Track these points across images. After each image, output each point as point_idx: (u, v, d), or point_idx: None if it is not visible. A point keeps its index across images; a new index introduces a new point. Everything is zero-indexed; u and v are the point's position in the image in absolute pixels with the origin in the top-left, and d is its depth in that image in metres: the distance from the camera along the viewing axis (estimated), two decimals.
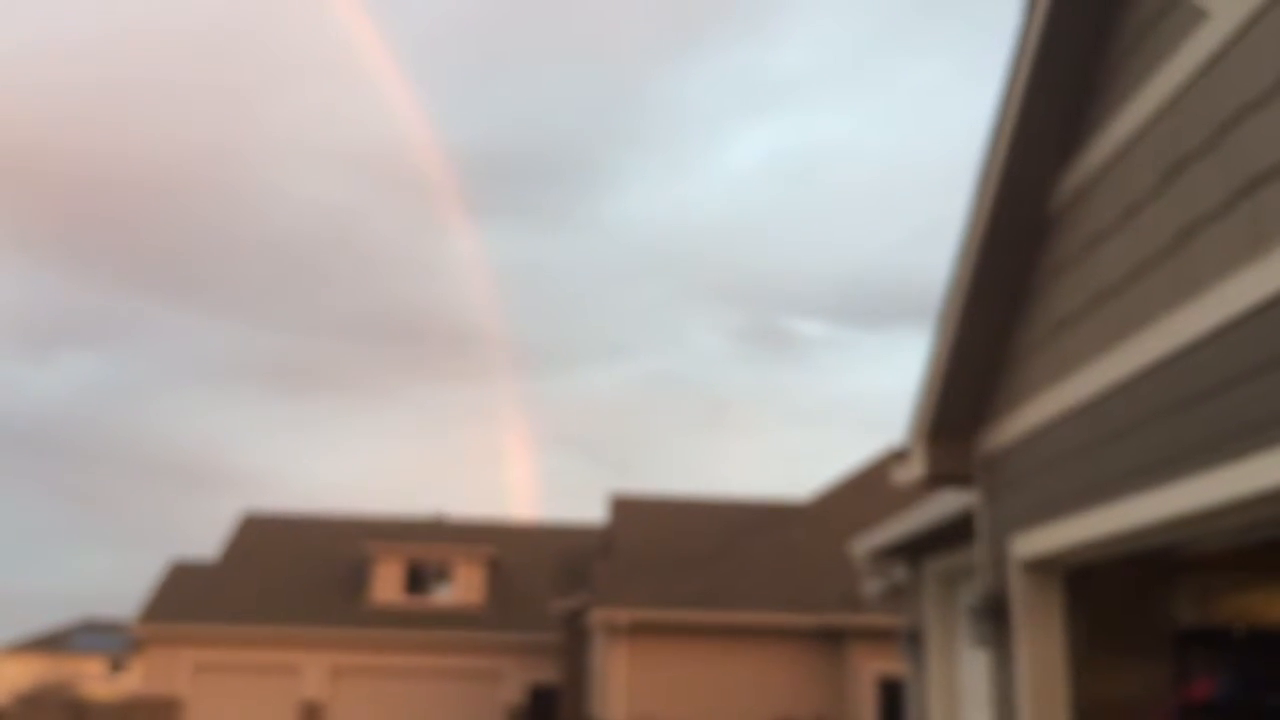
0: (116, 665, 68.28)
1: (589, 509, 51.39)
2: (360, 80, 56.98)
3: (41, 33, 60.43)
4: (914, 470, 6.47)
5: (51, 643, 71.57)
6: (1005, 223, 5.69)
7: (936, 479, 6.48)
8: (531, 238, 77.89)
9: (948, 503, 7.50)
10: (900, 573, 9.77)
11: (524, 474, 55.13)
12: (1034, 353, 5.76)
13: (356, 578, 33.90)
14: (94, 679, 66.74)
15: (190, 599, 32.20)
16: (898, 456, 6.93)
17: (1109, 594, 5.75)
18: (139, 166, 64.02)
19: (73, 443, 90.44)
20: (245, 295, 75.94)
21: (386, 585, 33.33)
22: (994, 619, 5.94)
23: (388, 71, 48.41)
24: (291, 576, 33.82)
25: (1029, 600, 5.71)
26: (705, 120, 78.94)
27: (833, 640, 20.93)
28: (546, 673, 31.00)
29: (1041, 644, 5.64)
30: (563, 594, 27.32)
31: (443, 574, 34.01)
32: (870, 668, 20.09)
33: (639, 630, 20.89)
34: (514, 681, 31.87)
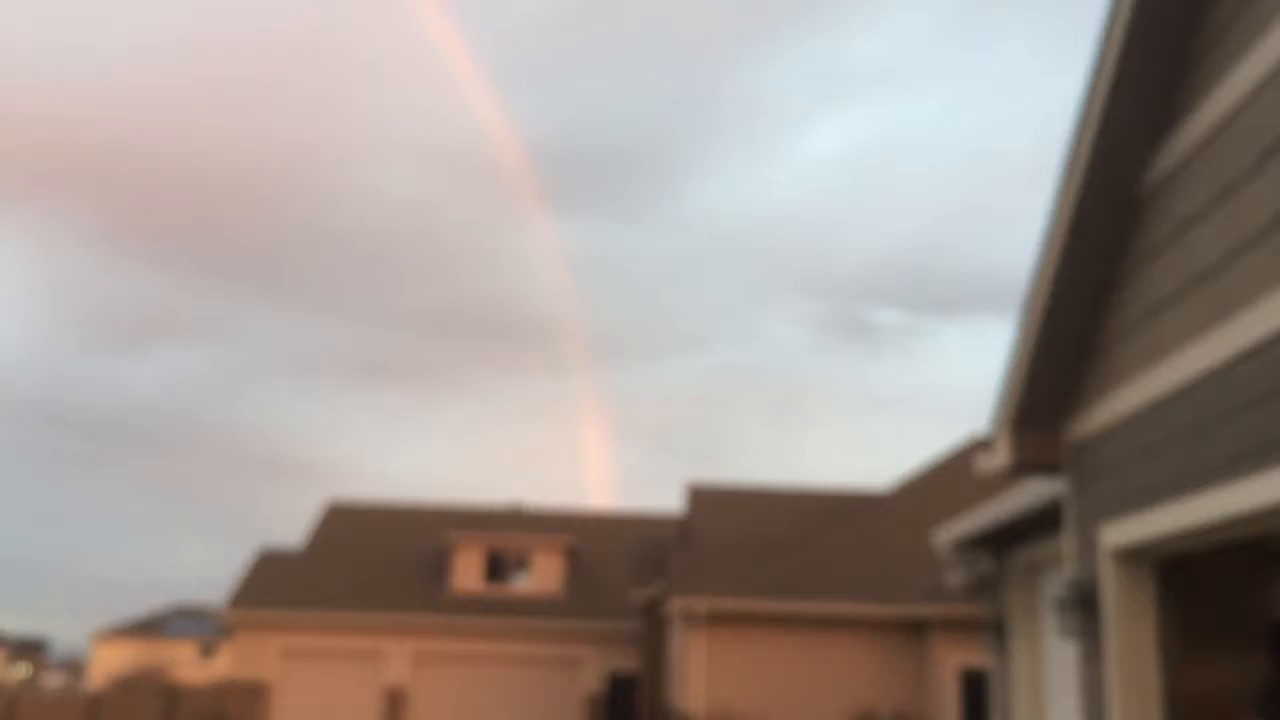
0: (208, 650, 70.26)
1: (667, 499, 51.48)
2: (443, 78, 57.71)
3: (138, 37, 62.19)
4: (999, 459, 6.38)
5: (146, 628, 73.87)
6: (1093, 207, 5.58)
7: (1022, 468, 6.38)
8: (610, 231, 78.21)
9: (1033, 492, 7.38)
10: (984, 563, 9.65)
11: (602, 464, 55.46)
12: (1124, 338, 5.64)
13: (438, 566, 34.40)
14: (186, 663, 68.72)
15: (277, 586, 32.94)
16: (981, 445, 6.84)
17: (1203, 584, 5.61)
18: (230, 166, 65.61)
19: (167, 434, 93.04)
20: (331, 290, 77.57)
21: (467, 574, 33.76)
22: (1083, 610, 5.84)
23: (469, 69, 48.95)
24: (374, 564, 34.43)
25: (1119, 591, 5.60)
26: (784, 112, 78.45)
27: (914, 631, 20.71)
28: (625, 661, 31.14)
29: (1132, 635, 5.53)
30: (641, 583, 27.40)
31: (522, 563, 34.35)
32: (952, 659, 19.85)
33: (717, 620, 20.87)
34: (593, 670, 32.08)
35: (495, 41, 63.91)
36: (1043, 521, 7.44)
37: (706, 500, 27.56)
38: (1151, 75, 5.29)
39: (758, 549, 23.35)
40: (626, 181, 79.99)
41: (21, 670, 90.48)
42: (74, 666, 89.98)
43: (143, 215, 70.69)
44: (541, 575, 34.07)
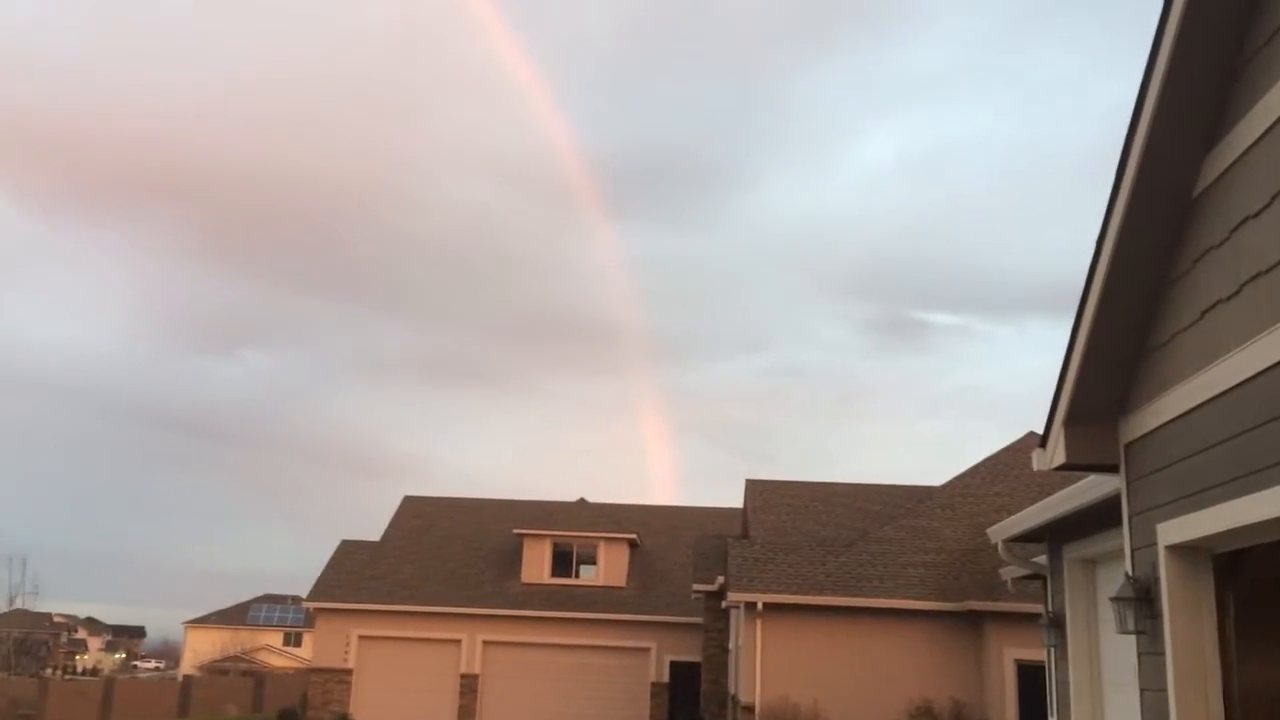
0: (291, 638, 71.88)
1: (726, 495, 51.76)
2: (512, 92, 58.67)
3: (232, 67, 64.27)
4: (1054, 457, 6.43)
5: (234, 616, 75.87)
6: (1146, 207, 5.61)
7: (1077, 465, 6.42)
8: (671, 236, 78.91)
9: (1089, 488, 7.41)
10: (1040, 558, 9.67)
11: (663, 462, 55.84)
12: (1180, 337, 5.67)
13: (508, 559, 35.10)
14: (271, 650, 70.35)
15: (357, 577, 33.93)
16: (1037, 443, 6.88)
17: (1262, 580, 5.63)
18: (314, 182, 67.66)
19: (256, 433, 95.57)
20: (406, 294, 79.66)
21: (534, 566, 34.41)
22: (1141, 606, 5.88)
23: (536, 83, 49.71)
24: (448, 556, 35.33)
25: (1177, 587, 5.64)
26: (839, 119, 78.57)
27: (970, 625, 20.65)
28: (687, 652, 31.42)
29: (1191, 631, 5.57)
30: (702, 576, 27.58)
31: (587, 556, 34.88)
32: (1008, 652, 19.76)
33: (775, 612, 20.98)
34: (656, 660, 32.45)
35: (561, 55, 64.88)
36: (1099, 517, 7.46)
37: (764, 495, 27.66)
38: (1205, 75, 5.31)
39: (815, 543, 23.41)
40: (686, 188, 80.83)
41: (119, 656, 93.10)
42: (168, 652, 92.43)
43: (235, 228, 73.20)
44: (606, 568, 34.58)
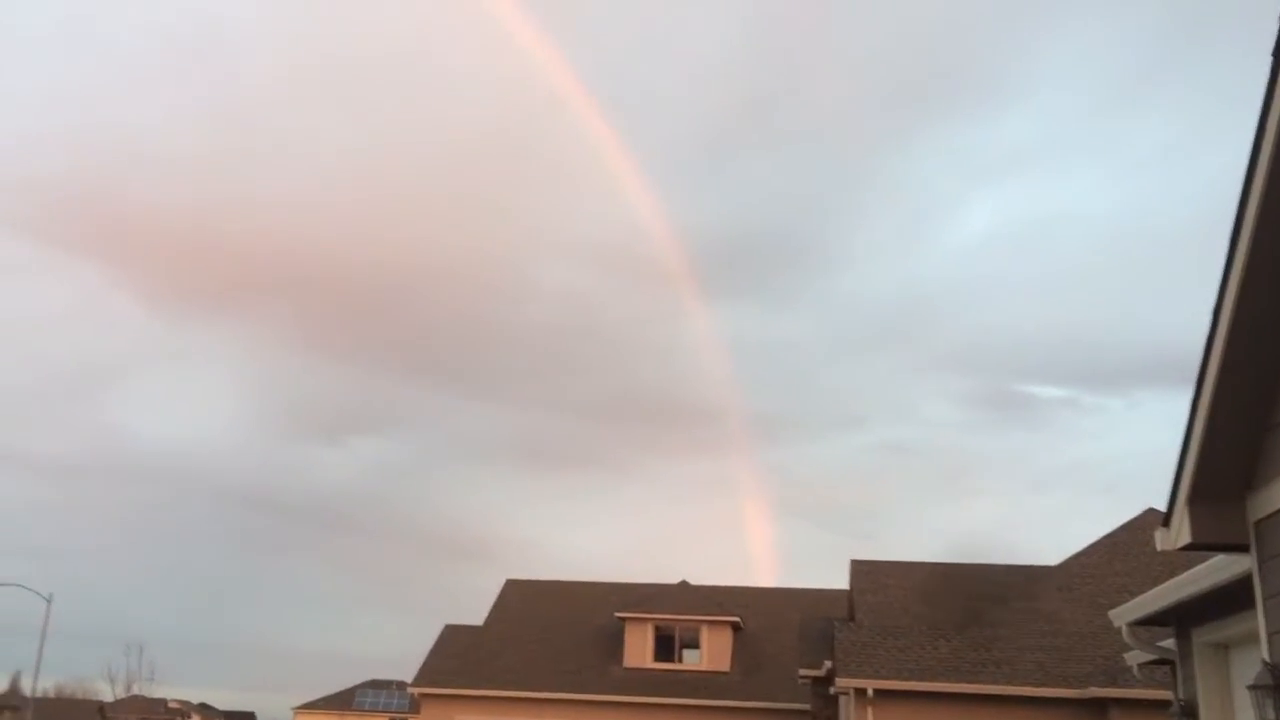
0: None
1: (830, 576, 50.91)
2: (605, 178, 60.05)
3: (328, 159, 67.48)
4: (1178, 536, 6.20)
5: (341, 701, 76.83)
6: (1262, 278, 5.45)
7: (1204, 545, 6.18)
8: (765, 315, 79.25)
9: (1218, 568, 7.11)
10: (1167, 642, 9.26)
11: (764, 542, 55.24)
12: None
13: (609, 642, 34.95)
14: None
15: (460, 661, 34.13)
16: (1158, 520, 6.64)
17: None
18: (414, 270, 70.06)
19: (361, 519, 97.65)
20: (504, 381, 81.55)
21: (636, 650, 34.19)
22: None
23: (626, 168, 50.90)
24: (550, 640, 35.37)
25: None
26: (935, 193, 78.55)
27: (1094, 713, 19.76)
28: None
29: None
30: (807, 660, 27.00)
31: (689, 639, 34.53)
32: None
33: (885, 699, 20.37)
34: None
35: (653, 140, 66.24)
36: (1231, 598, 7.14)
37: (870, 576, 27.09)
38: None
39: (925, 626, 22.77)
40: (781, 267, 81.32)
41: None
42: None
43: (342, 321, 76.02)
44: (710, 652, 34.16)
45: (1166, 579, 8.58)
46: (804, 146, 74.81)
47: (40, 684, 48.98)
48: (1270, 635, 5.83)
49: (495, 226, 72.68)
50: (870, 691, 20.36)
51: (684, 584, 38.16)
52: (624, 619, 34.52)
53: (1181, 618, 8.56)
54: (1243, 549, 6.08)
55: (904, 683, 20.46)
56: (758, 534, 56.27)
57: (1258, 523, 5.94)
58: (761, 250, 78.76)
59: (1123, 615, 9.69)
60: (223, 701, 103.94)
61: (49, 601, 41.63)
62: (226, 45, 68.50)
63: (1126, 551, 22.99)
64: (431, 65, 66.97)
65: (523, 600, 37.84)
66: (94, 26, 73.32)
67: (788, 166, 75.43)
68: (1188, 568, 7.86)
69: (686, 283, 59.06)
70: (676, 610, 35.03)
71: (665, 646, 34.46)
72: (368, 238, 70.30)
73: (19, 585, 41.37)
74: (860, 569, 27.78)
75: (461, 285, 75.44)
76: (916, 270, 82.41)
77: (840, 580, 30.22)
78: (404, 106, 68.75)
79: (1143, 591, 9.36)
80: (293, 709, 77.15)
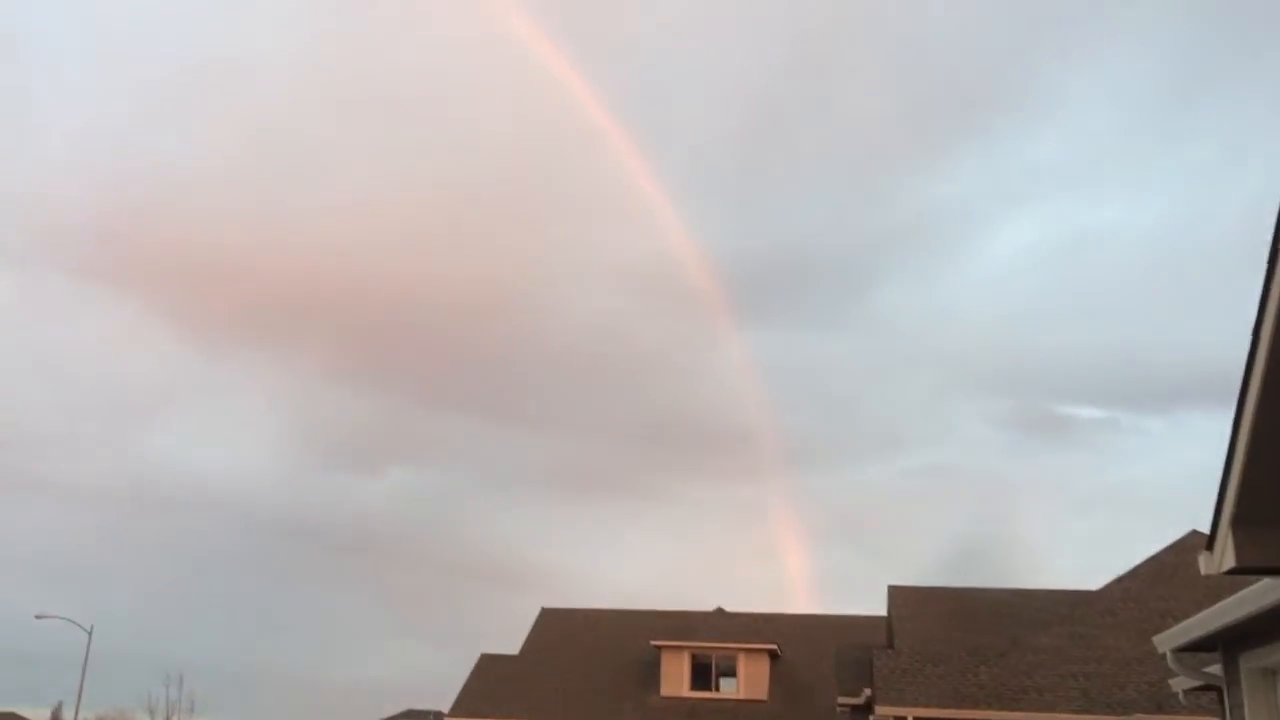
0: None
1: (868, 602, 50.45)
2: (636, 202, 60.41)
3: (361, 193, 68.51)
4: (1222, 560, 6.12)
5: None
6: None
7: (1249, 569, 6.08)
8: (799, 338, 79.14)
9: (1265, 591, 7.00)
10: (1214, 668, 9.10)
11: (800, 567, 54.91)
12: None
13: (646, 671, 34.82)
14: None
15: (496, 690, 34.20)
16: (1202, 542, 6.55)
17: None
18: (447, 299, 70.82)
19: (396, 548, 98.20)
20: (538, 407, 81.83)
21: (673, 679, 34.04)
22: None
23: (661, 190, 51.22)
24: (586, 669, 35.29)
25: None
26: (969, 213, 78.29)
27: None
28: None
29: None
30: (846, 688, 26.74)
31: (727, 668, 34.30)
32: None
33: None
34: None
35: (683, 162, 66.50)
36: (1278, 622, 7.01)
37: (908, 602, 26.85)
38: None
39: (965, 652, 22.50)
40: (814, 289, 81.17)
41: None
42: None
43: (370, 345, 76.91)
44: (747, 680, 33.93)
45: (1211, 603, 8.45)
46: (836, 168, 74.83)
47: (81, 715, 49.32)
48: None
49: (527, 254, 73.26)
50: (910, 719, 20.13)
51: (720, 611, 37.97)
52: (660, 647, 34.36)
53: (1228, 643, 8.42)
54: None
55: (944, 710, 20.22)
56: (794, 559, 55.96)
57: None
58: (795, 273, 78.74)
59: (1167, 641, 9.54)
60: None
61: (90, 633, 41.99)
62: (257, 80, 69.62)
63: (1170, 575, 22.64)
64: (463, 95, 67.69)
65: (558, 629, 37.78)
66: (128, 67, 74.73)
67: (820, 188, 75.46)
68: (1233, 591, 7.74)
69: (719, 307, 59.18)
70: (713, 638, 34.84)
71: (702, 675, 34.23)
72: (400, 266, 71.00)
73: (61, 618, 41.77)
74: (898, 594, 27.54)
75: (494, 313, 76.05)
76: (953, 290, 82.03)
77: (878, 606, 30.00)
78: (435, 136, 69.49)
79: (1187, 616, 9.22)
80: None
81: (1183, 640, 9.09)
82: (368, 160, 69.80)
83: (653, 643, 34.66)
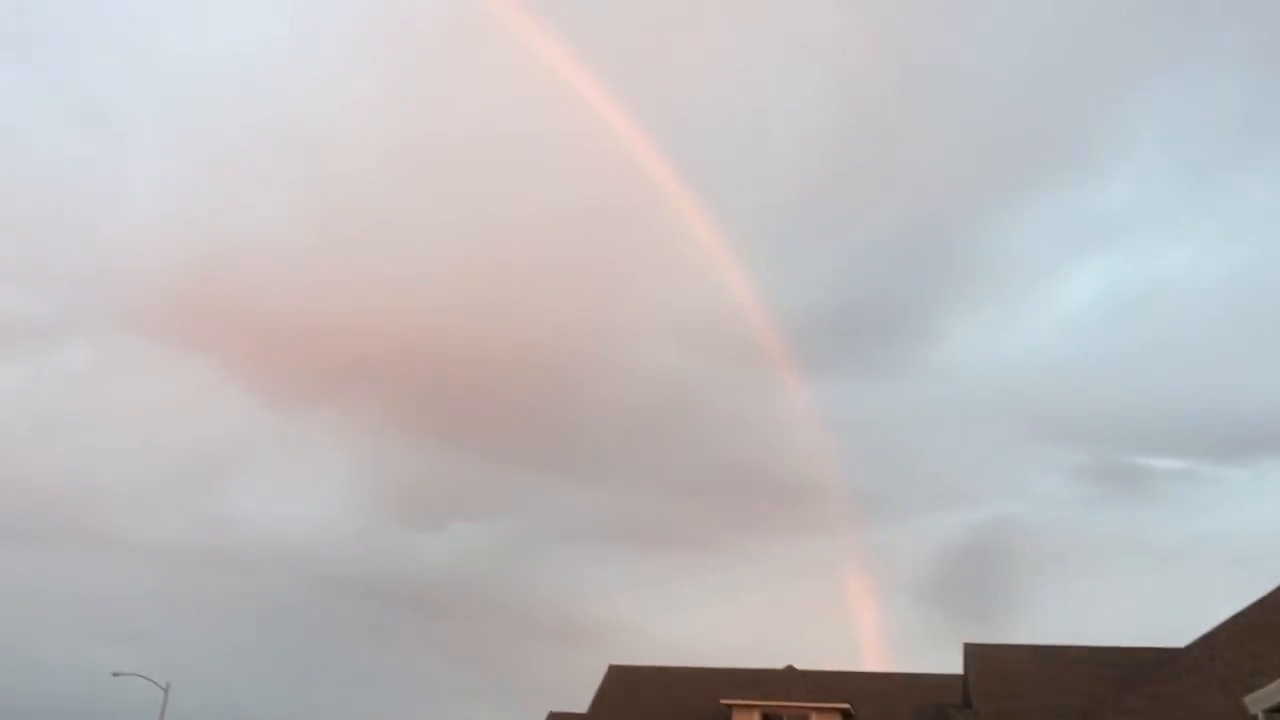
0: None
1: (942, 659, 49.44)
2: (699, 257, 60.90)
3: (422, 263, 70.11)
4: None
5: None
6: None
7: None
8: (866, 390, 78.67)
9: None
10: None
11: (871, 622, 54.08)
12: None
13: None
14: None
15: None
16: None
17: None
18: (508, 356, 71.76)
19: (461, 604, 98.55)
20: (603, 462, 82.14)
21: None
22: None
23: (723, 247, 51.70)
24: None
25: None
26: (1036, 262, 77.69)
27: None
28: None
29: None
30: None
31: None
32: None
33: None
34: None
35: (746, 220, 66.94)
36: None
37: (986, 660, 26.28)
38: None
39: (1047, 712, 21.94)
40: (881, 340, 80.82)
41: None
42: None
43: (437, 402, 78.10)
44: None
45: None
46: (901, 218, 74.72)
47: None
48: None
49: (591, 309, 74.03)
50: None
51: (790, 669, 37.48)
52: (730, 706, 33.98)
53: None
54: None
55: None
56: (864, 615, 55.11)
57: None
58: (861, 324, 78.49)
59: (1260, 701, 9.27)
60: None
61: (166, 690, 42.53)
62: (325, 140, 71.69)
63: (1260, 631, 21.93)
64: (528, 153, 69.02)
65: (626, 686, 37.53)
66: (202, 134, 77.30)
67: (885, 239, 75.34)
68: None
69: (784, 359, 59.14)
70: (784, 696, 34.39)
71: None
72: (465, 323, 72.16)
73: (139, 675, 42.37)
74: (974, 652, 26.97)
75: (556, 367, 76.70)
76: (1021, 340, 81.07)
77: (953, 663, 29.40)
78: (501, 194, 70.83)
79: (1279, 675, 8.94)
80: None
81: (1276, 700, 8.83)
82: (436, 220, 71.25)
83: (723, 701, 34.26)
